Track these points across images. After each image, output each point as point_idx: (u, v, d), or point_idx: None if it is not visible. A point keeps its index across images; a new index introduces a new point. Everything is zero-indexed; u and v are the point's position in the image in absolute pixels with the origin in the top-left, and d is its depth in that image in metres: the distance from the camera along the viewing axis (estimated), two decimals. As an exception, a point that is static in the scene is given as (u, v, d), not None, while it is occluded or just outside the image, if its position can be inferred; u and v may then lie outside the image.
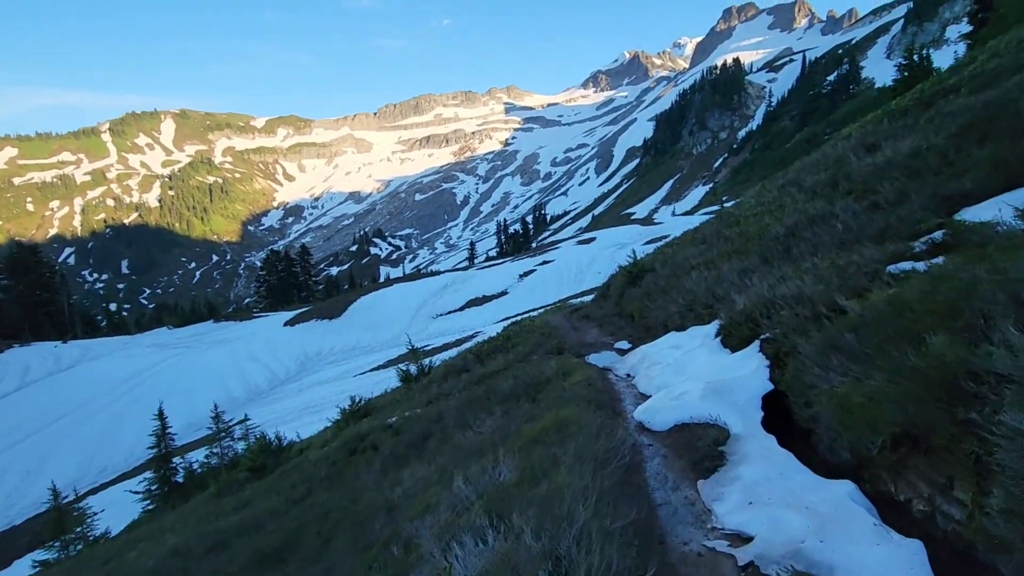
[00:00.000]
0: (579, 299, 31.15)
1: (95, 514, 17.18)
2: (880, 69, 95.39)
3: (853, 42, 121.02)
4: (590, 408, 4.70)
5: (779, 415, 3.70)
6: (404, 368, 15.26)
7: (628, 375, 6.60)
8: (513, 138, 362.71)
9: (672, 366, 5.43)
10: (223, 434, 18.65)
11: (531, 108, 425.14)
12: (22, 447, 24.00)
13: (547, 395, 5.94)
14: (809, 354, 3.43)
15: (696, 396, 4.06)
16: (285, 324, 40.80)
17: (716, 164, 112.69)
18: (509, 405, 6.36)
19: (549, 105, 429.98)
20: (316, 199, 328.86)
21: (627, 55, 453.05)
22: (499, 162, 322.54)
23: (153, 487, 17.43)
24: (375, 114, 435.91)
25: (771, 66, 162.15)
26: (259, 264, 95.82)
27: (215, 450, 18.63)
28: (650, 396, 5.01)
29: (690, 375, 4.86)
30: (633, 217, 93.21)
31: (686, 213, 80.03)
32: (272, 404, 26.33)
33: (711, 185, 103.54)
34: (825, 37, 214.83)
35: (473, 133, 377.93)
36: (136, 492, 17.23)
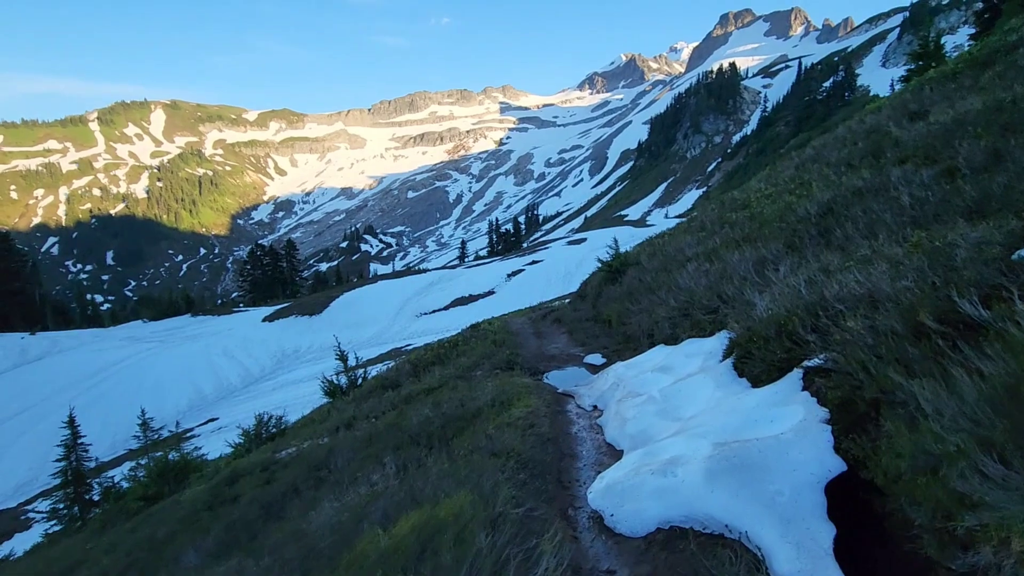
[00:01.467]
0: (563, 301, 30.26)
1: (25, 527, 15.88)
2: (876, 77, 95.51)
3: (849, 50, 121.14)
4: (510, 483, 3.05)
5: (857, 523, 1.99)
6: (331, 380, 13.74)
7: (594, 407, 5.07)
8: (508, 138, 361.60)
9: (658, 401, 3.75)
10: (151, 444, 16.82)
11: (526, 108, 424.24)
12: (-28, 443, 22.67)
13: (467, 440, 4.39)
14: (947, 413, 1.70)
15: (698, 471, 2.38)
16: (263, 320, 39.42)
17: (710, 168, 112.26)
18: (409, 453, 4.70)
19: (544, 106, 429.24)
20: (307, 194, 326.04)
21: (623, 58, 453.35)
22: (493, 161, 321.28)
23: (60, 506, 15.48)
24: (369, 110, 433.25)
25: (767, 72, 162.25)
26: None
27: (142, 461, 15.97)
28: (621, 452, 3.47)
29: (687, 423, 3.24)
30: (626, 219, 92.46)
31: (679, 216, 79.38)
32: (244, 403, 25.07)
33: (704, 189, 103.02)
34: (821, 45, 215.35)
35: (468, 132, 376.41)
36: (40, 513, 15.51)
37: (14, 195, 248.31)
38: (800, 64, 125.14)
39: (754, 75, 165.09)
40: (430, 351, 11.73)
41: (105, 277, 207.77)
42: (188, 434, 21.36)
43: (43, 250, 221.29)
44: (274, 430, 11.78)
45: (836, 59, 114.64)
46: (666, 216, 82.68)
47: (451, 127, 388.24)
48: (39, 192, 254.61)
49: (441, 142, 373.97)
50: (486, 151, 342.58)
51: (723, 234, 7.79)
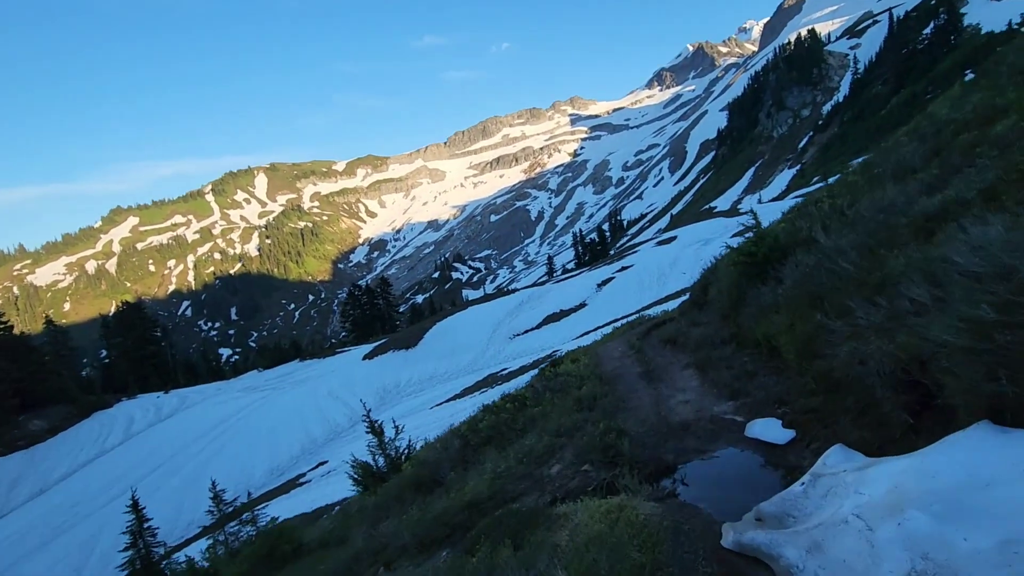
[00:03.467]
0: (661, 306, 28.41)
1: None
2: (986, 13, 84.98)
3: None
4: None
5: None
6: (365, 463, 10.83)
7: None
8: (581, 148, 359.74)
9: None
10: (227, 519, 14.72)
11: (596, 116, 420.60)
12: (120, 502, 24.69)
13: None
14: None
15: None
16: (364, 358, 40.80)
17: (801, 144, 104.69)
18: None
19: (615, 111, 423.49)
20: (397, 231, 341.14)
21: (690, 48, 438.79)
22: (569, 174, 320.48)
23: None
24: (446, 143, 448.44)
25: (852, 32, 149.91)
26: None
27: (220, 538, 14.68)
28: None
29: None
30: (715, 211, 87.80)
31: (774, 199, 74.21)
32: (351, 443, 25.64)
33: (798, 167, 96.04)
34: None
35: (541, 149, 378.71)
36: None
37: (152, 268, 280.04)
38: (891, 16, 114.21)
39: (837, 39, 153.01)
40: (489, 415, 8.78)
41: (231, 332, 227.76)
42: (301, 480, 22.02)
43: (179, 313, 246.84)
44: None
45: (933, 2, 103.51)
46: (759, 202, 77.59)
47: (524, 146, 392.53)
48: (171, 262, 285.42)
49: (516, 163, 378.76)
50: (561, 164, 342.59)
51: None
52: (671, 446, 4.76)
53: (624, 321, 28.74)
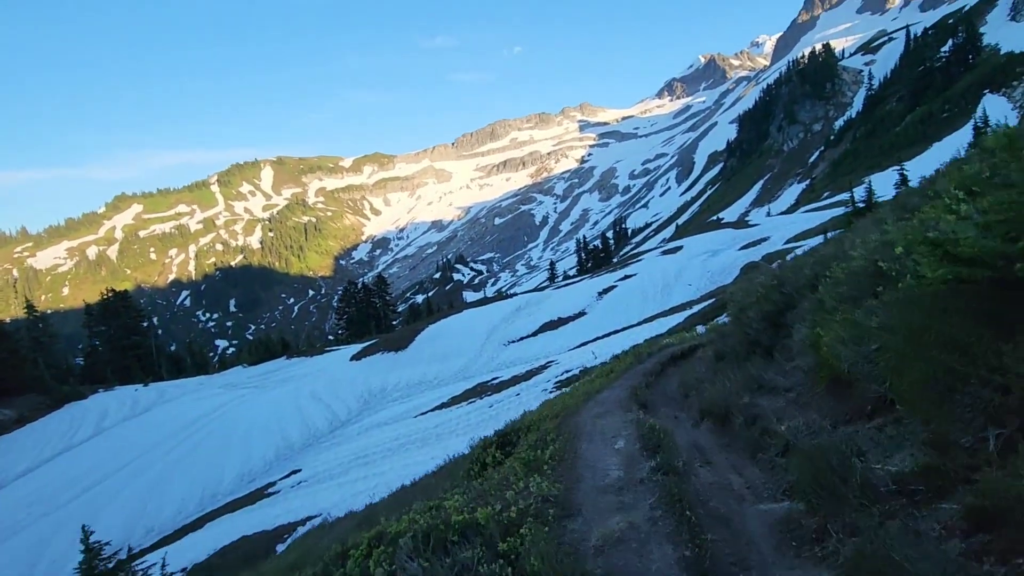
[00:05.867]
0: (666, 319, 26.79)
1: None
2: (1005, 33, 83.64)
3: (966, 9, 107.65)
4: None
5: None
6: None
7: None
8: (589, 155, 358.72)
9: None
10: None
11: (605, 123, 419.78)
12: (80, 501, 23.21)
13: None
14: None
15: None
16: (351, 359, 39.20)
17: (811, 158, 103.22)
18: None
19: (624, 119, 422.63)
20: (401, 230, 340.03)
21: (702, 59, 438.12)
22: (576, 180, 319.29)
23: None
24: (453, 144, 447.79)
25: (867, 48, 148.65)
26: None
27: None
28: None
29: None
30: (723, 222, 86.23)
31: (783, 213, 72.69)
32: (327, 451, 24.13)
33: (808, 182, 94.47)
34: (925, 13, 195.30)
35: (549, 154, 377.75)
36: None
37: (153, 256, 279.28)
38: (908, 33, 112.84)
39: (851, 55, 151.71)
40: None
41: (229, 323, 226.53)
42: (270, 489, 20.43)
43: (178, 303, 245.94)
44: None
45: (951, 21, 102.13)
46: (768, 215, 76.04)
47: (532, 151, 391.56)
48: (173, 251, 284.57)
49: (523, 167, 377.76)
50: (568, 170, 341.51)
51: None
52: None
53: (626, 331, 27.14)
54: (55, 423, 31.90)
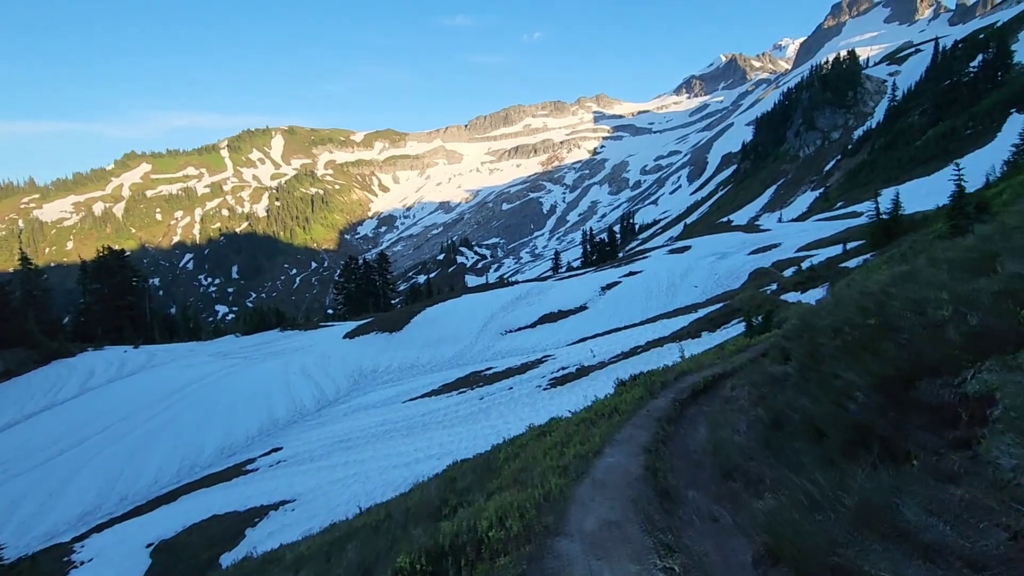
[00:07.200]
0: (669, 320, 25.84)
1: (70, 569, 14.52)
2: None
3: (998, 25, 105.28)
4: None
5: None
6: None
7: None
8: (602, 147, 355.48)
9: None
10: None
11: (621, 116, 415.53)
12: (54, 464, 22.62)
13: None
14: None
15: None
16: (344, 336, 38.45)
17: (827, 167, 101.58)
18: None
19: (639, 113, 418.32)
20: (408, 209, 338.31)
21: (723, 58, 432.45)
22: (587, 171, 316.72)
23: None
24: (466, 126, 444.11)
25: (892, 58, 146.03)
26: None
27: None
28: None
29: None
30: (733, 225, 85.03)
31: (795, 220, 71.56)
32: (312, 430, 23.47)
33: (822, 190, 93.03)
34: (954, 27, 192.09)
35: (561, 143, 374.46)
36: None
37: (158, 216, 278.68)
38: (937, 45, 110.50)
39: (876, 63, 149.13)
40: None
41: (230, 289, 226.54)
42: (249, 466, 19.80)
43: (180, 265, 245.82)
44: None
45: (982, 36, 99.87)
46: (779, 220, 74.85)
47: (545, 138, 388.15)
48: (179, 214, 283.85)
49: (535, 154, 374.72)
50: (580, 161, 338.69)
51: None
52: None
53: (628, 330, 26.25)
54: (40, 379, 31.34)
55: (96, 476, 21.58)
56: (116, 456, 22.92)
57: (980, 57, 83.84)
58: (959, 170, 16.62)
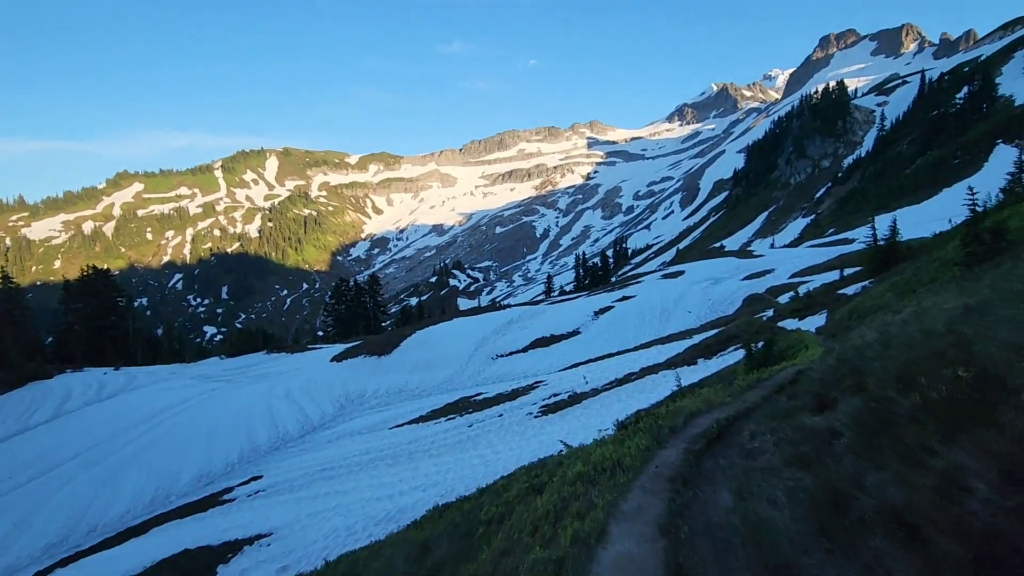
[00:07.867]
0: (663, 347, 25.22)
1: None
2: (1021, 85, 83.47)
3: (981, 59, 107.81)
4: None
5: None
6: None
7: None
8: (595, 172, 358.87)
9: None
10: None
11: (614, 142, 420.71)
12: (22, 492, 21.53)
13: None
14: None
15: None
16: (332, 359, 37.57)
17: (818, 194, 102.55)
18: None
19: (632, 139, 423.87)
20: (401, 231, 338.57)
21: (715, 87, 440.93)
22: (580, 196, 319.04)
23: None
24: (460, 150, 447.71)
25: (880, 89, 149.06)
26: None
27: None
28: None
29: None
30: (726, 250, 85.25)
31: (787, 246, 71.73)
32: (293, 457, 22.56)
33: (813, 216, 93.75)
34: (938, 61, 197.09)
35: (555, 167, 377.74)
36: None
37: (149, 236, 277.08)
38: (923, 77, 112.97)
39: (864, 94, 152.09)
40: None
41: (219, 310, 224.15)
42: (226, 495, 18.87)
43: (169, 285, 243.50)
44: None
45: (967, 69, 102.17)
46: (772, 246, 75.01)
47: (539, 163, 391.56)
48: (170, 233, 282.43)
49: (529, 178, 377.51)
50: (573, 186, 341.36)
51: None
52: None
53: (621, 356, 25.67)
54: (13, 402, 30.18)
55: (65, 505, 20.51)
56: (88, 484, 21.87)
57: (966, 89, 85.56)
58: (973, 194, 16.36)
